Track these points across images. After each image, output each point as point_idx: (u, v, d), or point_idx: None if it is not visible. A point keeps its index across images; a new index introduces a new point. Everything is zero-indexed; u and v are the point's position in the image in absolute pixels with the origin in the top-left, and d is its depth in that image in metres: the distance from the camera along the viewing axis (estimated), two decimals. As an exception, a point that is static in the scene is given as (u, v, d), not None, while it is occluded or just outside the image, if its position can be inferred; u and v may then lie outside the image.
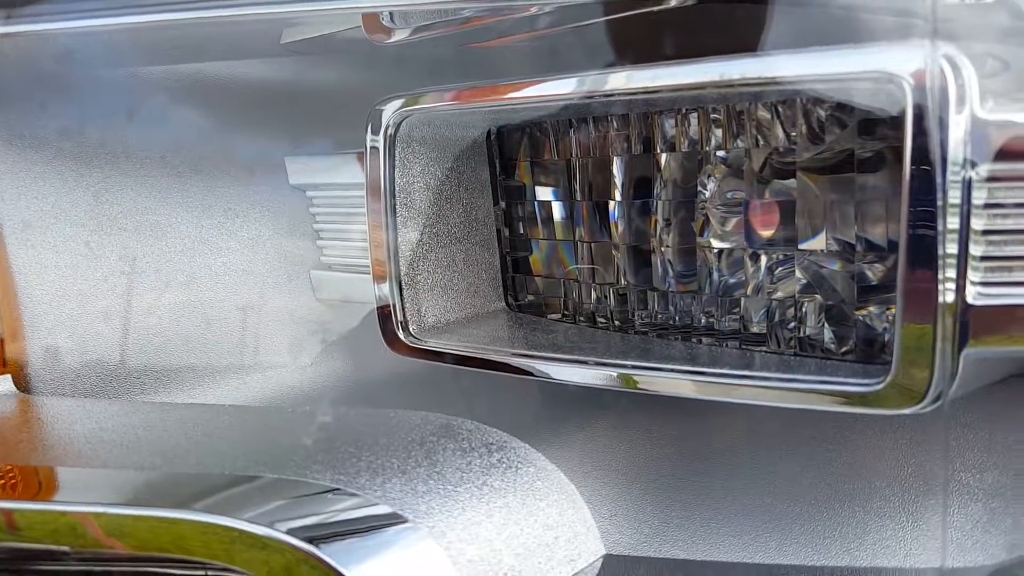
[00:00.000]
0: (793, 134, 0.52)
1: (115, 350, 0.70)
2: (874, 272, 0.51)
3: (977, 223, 0.44)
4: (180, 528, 0.42)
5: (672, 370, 0.53)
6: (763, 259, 0.55)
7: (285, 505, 0.42)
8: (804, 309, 0.54)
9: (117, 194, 0.72)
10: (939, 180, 0.43)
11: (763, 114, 0.53)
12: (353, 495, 0.43)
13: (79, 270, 0.70)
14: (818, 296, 0.53)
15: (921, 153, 0.43)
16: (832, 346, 0.53)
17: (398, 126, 0.63)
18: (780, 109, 0.53)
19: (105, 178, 0.72)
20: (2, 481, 0.49)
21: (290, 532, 0.39)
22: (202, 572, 0.44)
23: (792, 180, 0.53)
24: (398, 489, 0.46)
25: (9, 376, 0.65)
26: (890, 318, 0.50)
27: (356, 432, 0.53)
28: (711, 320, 0.58)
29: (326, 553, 0.39)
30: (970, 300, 0.44)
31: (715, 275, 0.56)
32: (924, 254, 0.44)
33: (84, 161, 0.72)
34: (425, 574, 0.42)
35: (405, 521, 0.43)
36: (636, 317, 0.62)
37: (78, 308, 0.70)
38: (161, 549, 0.43)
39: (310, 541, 0.39)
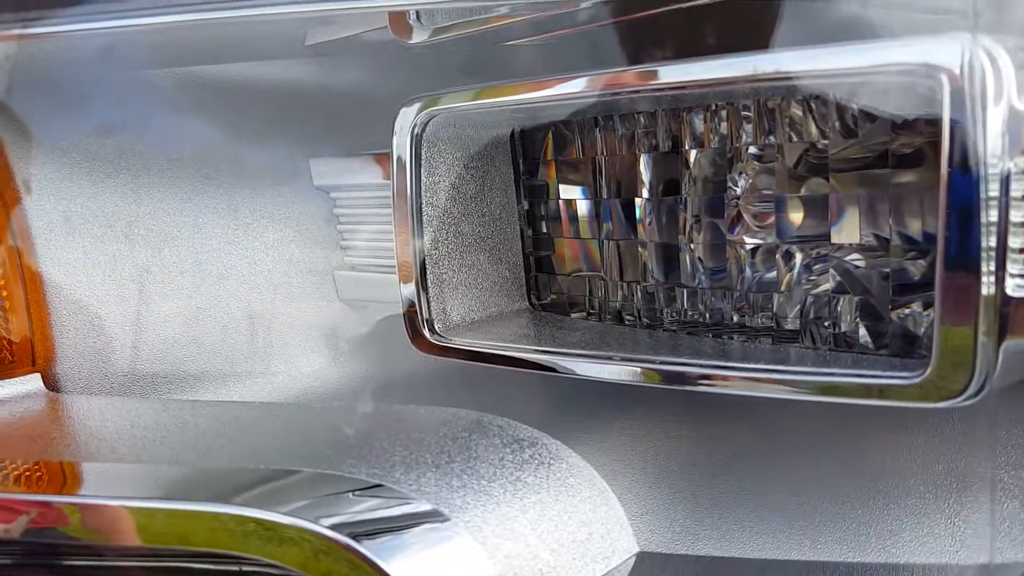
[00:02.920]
0: (826, 129, 0.52)
1: (143, 350, 0.70)
2: (910, 266, 0.51)
3: (1016, 215, 0.43)
4: (216, 523, 0.42)
5: (704, 365, 0.52)
6: (796, 256, 0.54)
7: (324, 500, 0.42)
8: (838, 306, 0.53)
9: (145, 196, 0.73)
10: (977, 173, 0.43)
11: (795, 110, 0.53)
12: (391, 490, 0.43)
13: (107, 271, 0.71)
14: (852, 292, 0.53)
15: (959, 146, 0.43)
16: (867, 342, 0.52)
17: (425, 126, 0.63)
18: (813, 105, 0.52)
19: (133, 179, 0.72)
20: (36, 476, 0.49)
21: (334, 528, 0.38)
22: (236, 568, 0.44)
23: (825, 176, 0.52)
24: (433, 484, 0.46)
25: (38, 374, 0.65)
26: (927, 313, 0.50)
27: (387, 428, 0.53)
28: (743, 317, 0.57)
29: (367, 548, 0.39)
30: (1009, 292, 0.43)
31: (747, 272, 0.56)
32: (963, 247, 0.44)
33: (113, 163, 0.73)
34: (464, 570, 0.42)
35: (444, 517, 0.43)
36: (664, 315, 0.62)
37: (106, 308, 0.70)
38: (195, 544, 0.43)
39: (352, 537, 0.39)
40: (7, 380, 0.63)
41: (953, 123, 0.43)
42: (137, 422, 0.56)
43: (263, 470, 0.45)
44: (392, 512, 0.43)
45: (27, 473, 0.49)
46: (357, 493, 0.43)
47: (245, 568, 0.44)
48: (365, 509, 0.43)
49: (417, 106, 0.62)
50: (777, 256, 0.55)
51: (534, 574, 0.45)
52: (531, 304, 0.73)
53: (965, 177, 0.43)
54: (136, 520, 0.44)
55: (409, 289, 0.66)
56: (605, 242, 0.65)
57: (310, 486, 0.43)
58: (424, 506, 0.44)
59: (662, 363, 0.54)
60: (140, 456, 0.50)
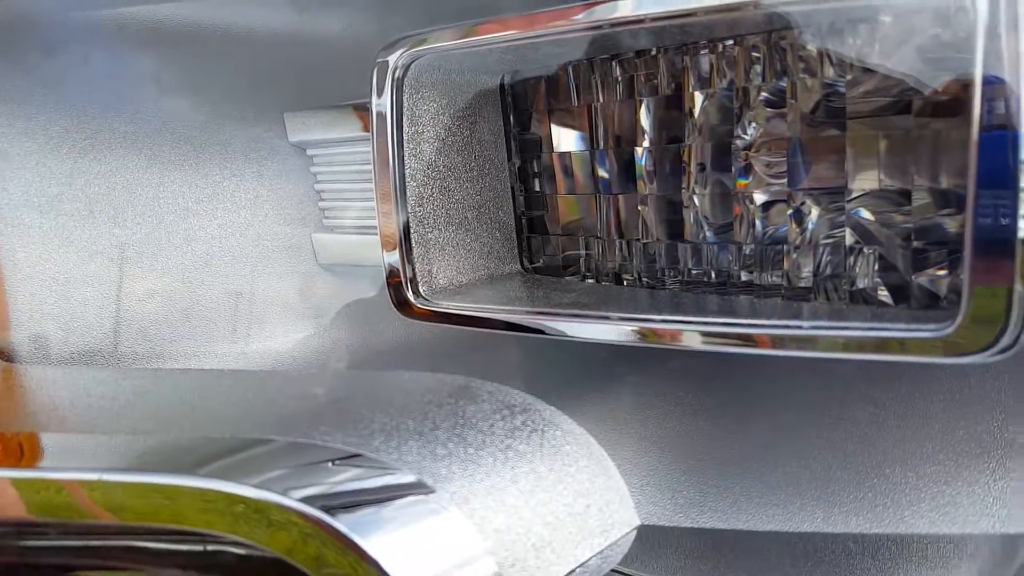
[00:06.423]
0: (844, 67, 0.47)
1: (104, 317, 0.65)
2: (934, 216, 0.47)
3: (1053, 153, 0.39)
4: (176, 497, 0.38)
5: (710, 323, 0.48)
6: (811, 208, 0.50)
7: (295, 471, 0.38)
8: (856, 261, 0.49)
9: (105, 151, 0.67)
10: (1016, 105, 0.39)
11: (809, 47, 0.49)
12: (371, 459, 0.39)
13: (65, 231, 0.66)
14: (872, 244, 0.49)
15: (993, 76, 0.39)
16: (886, 298, 0.49)
17: (407, 69, 0.58)
18: (828, 40, 0.48)
19: (94, 134, 0.67)
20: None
21: (305, 501, 0.34)
22: (200, 547, 0.40)
23: (842, 121, 0.48)
24: (415, 452, 0.42)
25: (-10, 343, 0.61)
26: (952, 265, 0.46)
27: (366, 394, 0.49)
28: (751, 275, 0.53)
29: (342, 523, 0.35)
30: (1048, 237, 0.40)
31: (758, 225, 0.52)
32: (997, 188, 0.40)
33: (72, 117, 0.67)
34: (451, 545, 0.38)
35: (428, 488, 0.39)
36: (666, 275, 0.58)
37: (63, 272, 0.65)
38: (153, 520, 0.39)
39: (326, 511, 0.35)
40: (-46, 348, 0.59)
41: (987, 49, 0.39)
42: (92, 391, 0.52)
43: (228, 440, 0.40)
44: (371, 483, 0.39)
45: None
46: (333, 463, 0.39)
47: (210, 547, 0.40)
48: (341, 480, 0.39)
49: (398, 47, 0.57)
50: (789, 208, 0.51)
51: (527, 549, 0.41)
52: (523, 267, 0.69)
53: (999, 110, 0.39)
54: (89, 495, 0.40)
55: (392, 249, 0.61)
56: (603, 197, 0.61)
57: (280, 456, 0.39)
58: (407, 476, 0.39)
59: (663, 321, 0.50)
60: (94, 426, 0.46)
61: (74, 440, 0.43)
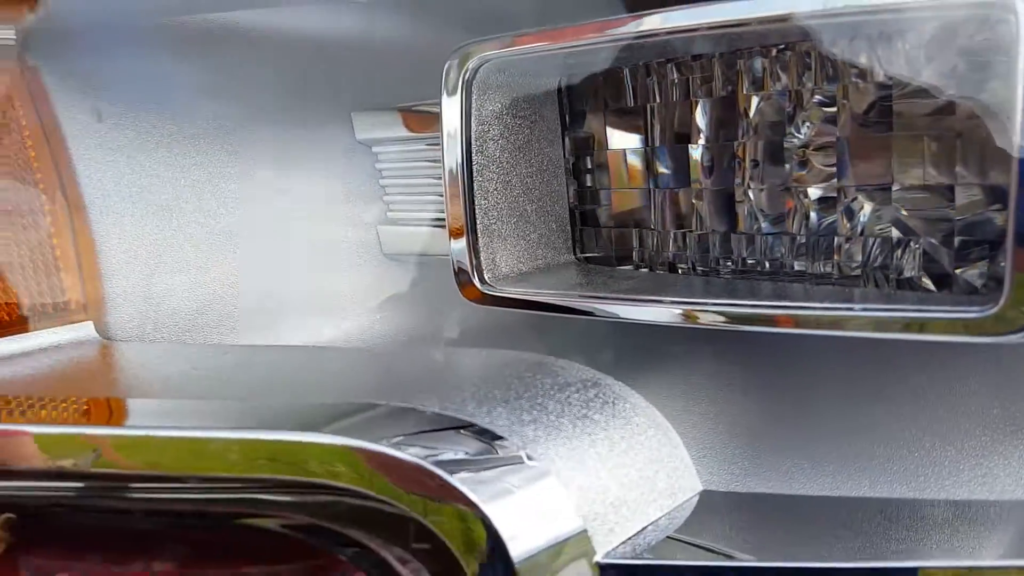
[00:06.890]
0: (891, 70, 0.51)
1: (191, 300, 0.70)
2: (976, 211, 0.51)
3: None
4: (301, 453, 0.42)
5: (763, 305, 0.52)
6: (860, 203, 0.54)
7: (413, 432, 0.42)
8: (903, 252, 0.53)
9: (190, 146, 0.72)
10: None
11: (860, 51, 0.53)
12: (474, 425, 0.43)
13: (154, 220, 0.70)
14: (918, 236, 0.53)
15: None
16: (928, 285, 0.53)
17: (475, 72, 0.63)
18: (878, 46, 0.52)
19: (178, 131, 0.72)
20: (97, 411, 0.49)
21: (438, 464, 0.39)
22: (325, 498, 0.44)
23: (889, 121, 0.52)
24: (504, 417, 0.46)
25: (91, 322, 0.65)
26: (991, 256, 0.50)
27: (451, 367, 0.53)
28: (803, 265, 0.57)
29: (459, 481, 0.40)
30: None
31: (812, 217, 0.56)
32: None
33: (157, 113, 0.72)
34: (543, 500, 0.43)
35: (522, 450, 0.44)
36: (720, 264, 0.62)
37: (155, 258, 0.70)
38: (284, 474, 0.43)
39: (450, 472, 0.39)
40: (61, 327, 0.64)
41: (1029, 58, 0.43)
42: (197, 364, 0.56)
43: (340, 404, 0.45)
44: (477, 445, 0.43)
45: (91, 408, 0.49)
46: (444, 429, 0.44)
47: (330, 498, 0.44)
48: (452, 443, 0.43)
49: (468, 52, 0.62)
50: (840, 203, 0.55)
51: (606, 506, 0.45)
52: (576, 258, 0.73)
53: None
54: (220, 450, 0.44)
55: (459, 238, 0.66)
56: (657, 192, 0.65)
57: (392, 420, 0.44)
58: (504, 440, 0.44)
59: (719, 305, 0.55)
60: (205, 394, 0.50)
61: (200, 405, 0.47)
